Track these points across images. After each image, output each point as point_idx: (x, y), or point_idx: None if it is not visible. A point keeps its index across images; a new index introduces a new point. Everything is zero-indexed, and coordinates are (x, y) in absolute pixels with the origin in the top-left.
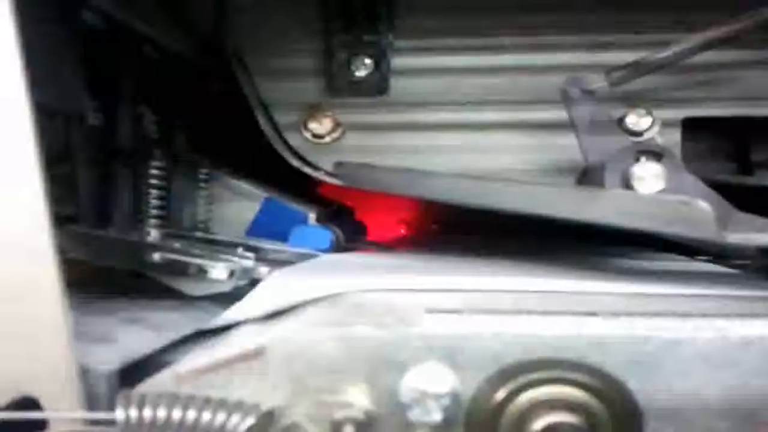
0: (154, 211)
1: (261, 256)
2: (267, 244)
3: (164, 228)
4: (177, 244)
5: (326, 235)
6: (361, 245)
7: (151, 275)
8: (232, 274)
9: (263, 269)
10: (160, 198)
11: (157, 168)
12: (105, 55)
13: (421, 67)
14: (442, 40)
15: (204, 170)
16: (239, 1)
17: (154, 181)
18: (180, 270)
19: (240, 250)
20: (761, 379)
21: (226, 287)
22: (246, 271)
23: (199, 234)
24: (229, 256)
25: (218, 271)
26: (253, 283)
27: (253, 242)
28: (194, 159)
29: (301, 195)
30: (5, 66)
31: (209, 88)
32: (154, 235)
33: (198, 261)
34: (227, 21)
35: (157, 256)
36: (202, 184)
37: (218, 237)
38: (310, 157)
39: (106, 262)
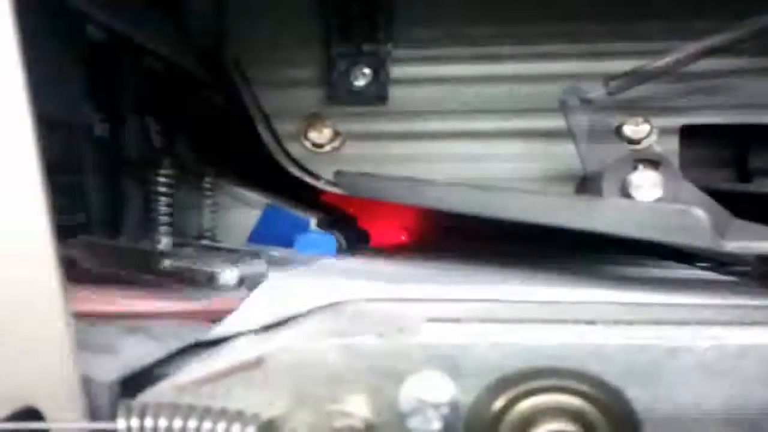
0: (163, 219)
1: (269, 262)
2: (273, 251)
3: (172, 236)
4: (189, 252)
5: (331, 241)
6: (362, 252)
7: (161, 284)
8: (242, 280)
9: (275, 275)
10: (168, 206)
11: (164, 177)
12: (110, 67)
13: (419, 76)
14: (440, 49)
15: (209, 179)
16: (239, 12)
17: (161, 190)
18: (190, 277)
19: (247, 257)
20: (760, 387)
21: (236, 295)
22: (258, 276)
23: (205, 242)
24: (237, 263)
25: (228, 277)
26: None
27: (258, 250)
28: (199, 168)
29: (304, 203)
30: (8, 78)
31: (211, 99)
32: (164, 243)
33: (207, 268)
34: (227, 32)
35: (167, 264)
36: (207, 193)
37: (224, 245)
38: (310, 166)
39: (118, 271)
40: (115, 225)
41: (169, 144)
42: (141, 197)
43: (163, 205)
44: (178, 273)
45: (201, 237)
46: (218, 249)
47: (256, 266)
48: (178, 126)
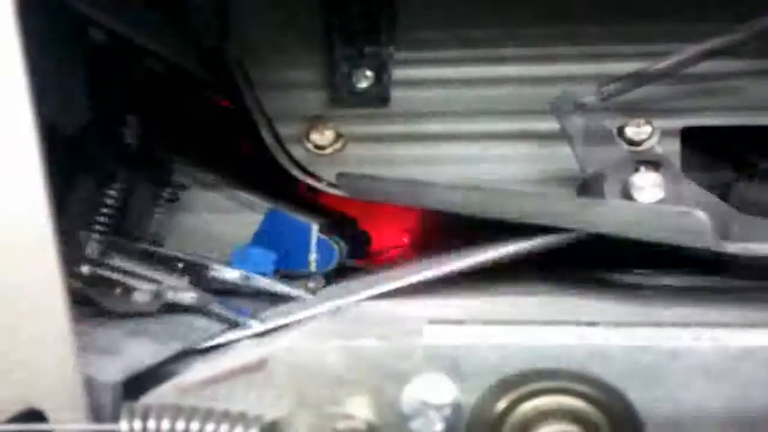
0: (100, 224)
1: (202, 276)
2: (215, 264)
3: (110, 240)
4: (114, 259)
5: (269, 258)
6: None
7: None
8: (157, 296)
9: (188, 295)
10: (112, 209)
11: (118, 179)
12: (103, 67)
13: (421, 78)
14: (442, 51)
15: (170, 189)
16: (242, 14)
17: (111, 192)
18: (105, 286)
19: (180, 265)
20: (761, 388)
21: (150, 308)
22: (167, 295)
23: (145, 245)
24: (161, 275)
25: (141, 295)
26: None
27: (201, 260)
28: (165, 173)
29: (305, 206)
30: (11, 80)
31: (212, 100)
32: (92, 246)
33: (123, 281)
34: (229, 34)
35: (85, 269)
36: (165, 194)
37: (164, 251)
38: (312, 169)
39: None
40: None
41: (144, 145)
42: (88, 196)
43: (109, 207)
44: (93, 280)
45: (151, 242)
46: (153, 255)
47: (174, 283)
48: (163, 126)
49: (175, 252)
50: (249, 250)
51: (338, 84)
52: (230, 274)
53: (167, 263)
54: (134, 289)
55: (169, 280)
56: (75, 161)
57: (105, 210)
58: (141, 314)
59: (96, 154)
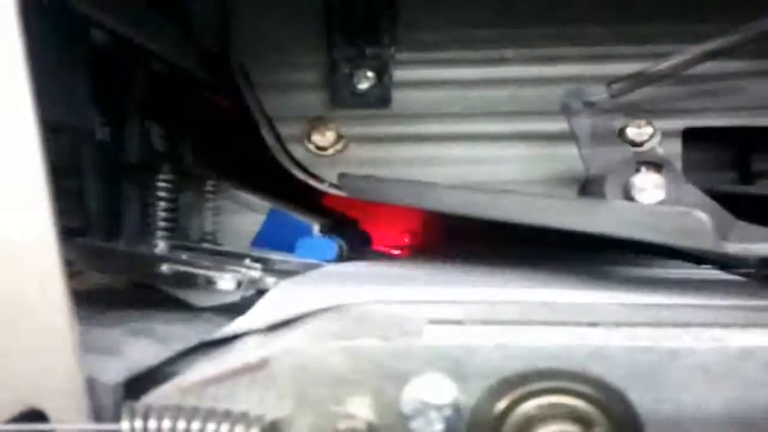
0: (162, 224)
1: (268, 267)
2: (273, 255)
3: (172, 240)
4: (185, 256)
5: (332, 246)
6: (365, 255)
7: (159, 287)
8: (239, 284)
9: (270, 279)
10: (168, 210)
11: (164, 181)
12: (113, 70)
13: (423, 79)
14: (444, 52)
15: (211, 182)
16: (243, 15)
17: (161, 194)
18: (188, 281)
19: (247, 261)
20: (762, 389)
21: (234, 298)
22: (253, 281)
23: (206, 245)
24: (236, 267)
25: (226, 282)
26: (260, 293)
27: (258, 253)
28: (201, 172)
29: (306, 206)
30: (13, 82)
31: (214, 102)
32: (161, 247)
33: (205, 272)
34: (231, 35)
35: (165, 268)
36: (209, 196)
37: (225, 248)
38: (313, 169)
39: (116, 275)
40: (114, 229)
41: (171, 147)
42: (140, 201)
43: (161, 209)
44: (175, 277)
45: (203, 240)
46: (219, 253)
47: (254, 272)
48: (181, 129)
49: (237, 249)
50: (313, 240)
51: (339, 85)
52: (298, 264)
53: (234, 258)
54: (217, 279)
55: (245, 269)
56: (116, 166)
57: (161, 212)
58: (143, 316)
59: (134, 158)
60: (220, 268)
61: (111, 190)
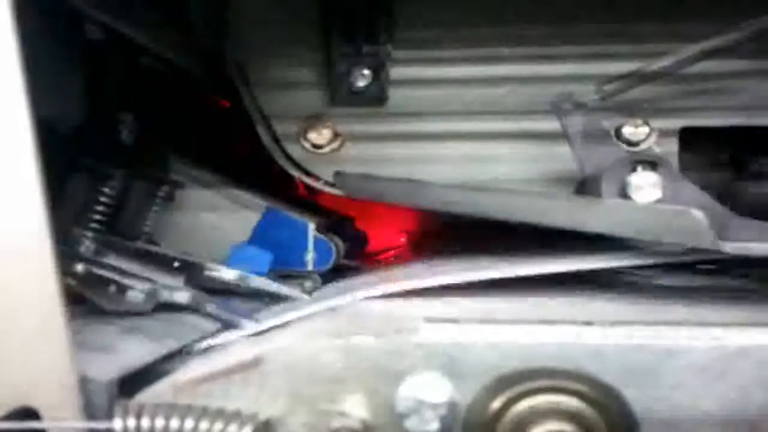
0: (95, 221)
1: (198, 275)
2: (210, 264)
3: (105, 239)
4: (109, 258)
5: (265, 258)
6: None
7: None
8: (151, 295)
9: (182, 294)
10: (106, 207)
11: (111, 177)
12: (100, 64)
13: (419, 77)
14: (440, 50)
15: (165, 188)
16: (240, 13)
17: (103, 190)
18: (99, 285)
19: (176, 265)
20: (759, 388)
21: (144, 308)
22: (161, 295)
23: (139, 244)
24: (156, 274)
25: (134, 294)
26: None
27: (196, 259)
28: (161, 170)
29: (303, 205)
30: (7, 80)
31: (210, 99)
32: (87, 245)
33: (119, 279)
34: (228, 33)
35: (80, 267)
36: (158, 200)
37: (159, 250)
38: (309, 168)
39: None
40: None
41: (139, 143)
42: (83, 194)
43: (100, 205)
44: (88, 279)
45: (147, 241)
46: (150, 256)
47: (166, 289)
48: (163, 126)
49: (170, 251)
50: (246, 250)
51: (336, 83)
52: (226, 274)
53: (163, 262)
54: (128, 288)
55: (164, 279)
56: (70, 159)
57: (100, 208)
58: (135, 313)
59: (92, 152)
60: (135, 277)
61: (57, 180)
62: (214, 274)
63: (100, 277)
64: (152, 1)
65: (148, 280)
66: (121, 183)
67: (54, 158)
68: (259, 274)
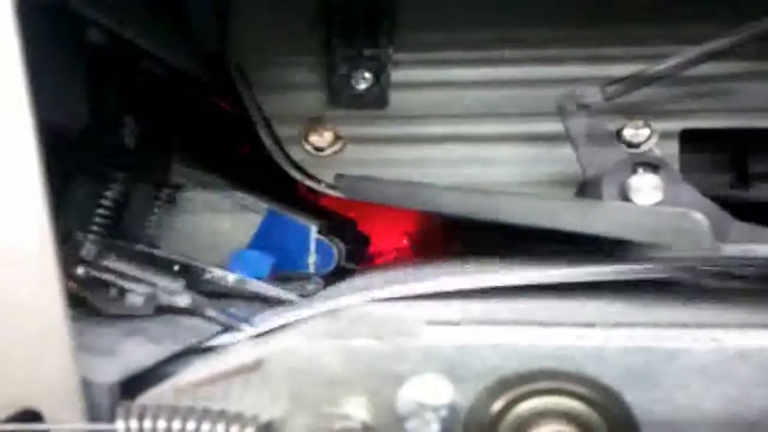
0: (96, 225)
1: (198, 279)
2: (210, 267)
3: (107, 242)
4: (110, 261)
5: (265, 261)
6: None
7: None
8: (150, 299)
9: (182, 298)
10: (108, 209)
11: (114, 180)
12: (103, 68)
13: (420, 80)
14: (441, 53)
15: (167, 191)
16: (241, 16)
17: (106, 192)
18: (100, 288)
19: (176, 268)
20: (759, 390)
21: (144, 311)
22: (161, 298)
23: (140, 247)
24: (156, 278)
25: (134, 297)
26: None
27: (196, 263)
28: (161, 175)
29: (304, 207)
30: (10, 84)
31: (211, 102)
32: (88, 248)
33: (120, 282)
34: (229, 36)
35: (81, 270)
36: (162, 196)
37: (160, 253)
38: (311, 170)
39: None
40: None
41: (143, 146)
42: (86, 196)
43: (102, 207)
44: (88, 282)
45: (148, 244)
46: (150, 256)
47: (166, 293)
48: (162, 128)
49: (171, 254)
50: (246, 254)
51: (337, 86)
52: (226, 278)
53: (163, 265)
54: (128, 291)
55: (164, 282)
56: (72, 162)
57: (102, 211)
58: (135, 316)
59: (94, 155)
60: (136, 280)
61: (59, 182)
62: (214, 277)
63: (101, 280)
64: (154, 4)
65: (149, 283)
66: (123, 186)
67: (56, 161)
68: (260, 277)
